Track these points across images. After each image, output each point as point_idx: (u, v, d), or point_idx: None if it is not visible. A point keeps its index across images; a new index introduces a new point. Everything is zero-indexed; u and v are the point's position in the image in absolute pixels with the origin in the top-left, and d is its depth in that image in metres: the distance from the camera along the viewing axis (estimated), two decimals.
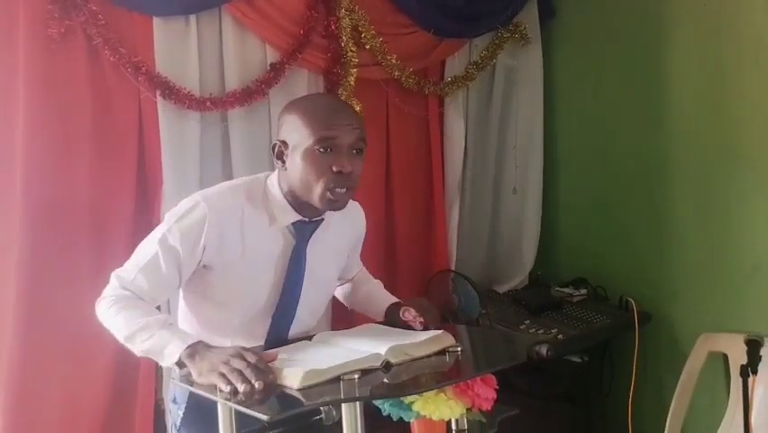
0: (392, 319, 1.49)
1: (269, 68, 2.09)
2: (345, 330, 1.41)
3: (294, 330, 1.43)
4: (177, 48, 1.96)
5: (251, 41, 2.09)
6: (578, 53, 2.69)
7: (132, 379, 1.90)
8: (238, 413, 1.15)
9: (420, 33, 2.40)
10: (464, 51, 2.57)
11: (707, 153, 2.29)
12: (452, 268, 2.57)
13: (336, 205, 1.34)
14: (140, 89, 1.91)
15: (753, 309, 2.19)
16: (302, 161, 1.31)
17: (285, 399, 1.07)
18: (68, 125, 1.84)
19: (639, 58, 2.47)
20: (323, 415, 1.30)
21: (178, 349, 1.19)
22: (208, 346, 1.21)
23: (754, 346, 1.69)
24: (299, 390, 1.06)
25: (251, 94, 2.06)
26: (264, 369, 1.12)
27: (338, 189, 1.31)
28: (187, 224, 1.32)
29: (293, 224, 1.39)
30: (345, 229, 1.51)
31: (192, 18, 1.96)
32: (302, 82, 2.18)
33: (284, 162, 1.36)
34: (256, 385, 1.07)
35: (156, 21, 1.91)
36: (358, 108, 2.19)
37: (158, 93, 1.91)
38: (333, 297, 2.11)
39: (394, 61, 2.32)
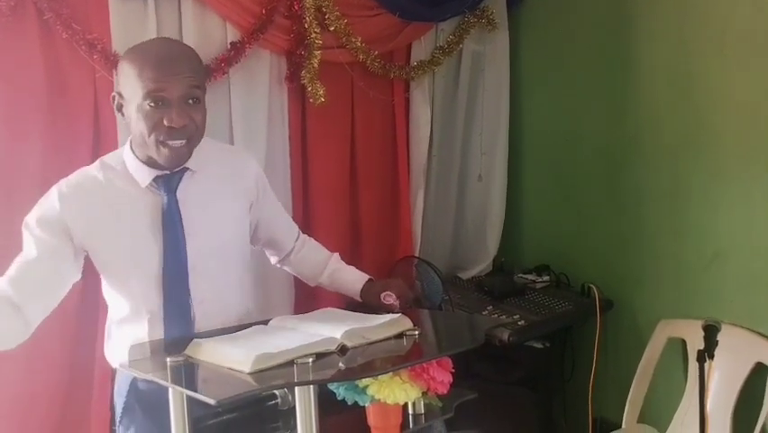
0: (370, 300, 1.47)
1: (229, 46, 2.04)
2: (303, 314, 1.39)
3: (209, 309, 1.37)
4: (134, 25, 1.90)
5: (212, 19, 2.03)
6: (544, 39, 2.69)
7: (86, 377, 1.85)
8: (190, 399, 1.11)
9: (386, 16, 2.37)
10: (431, 36, 2.54)
11: (670, 142, 2.31)
12: (417, 254, 2.56)
13: (174, 159, 1.30)
14: (95, 68, 1.84)
15: (712, 296, 2.22)
16: (135, 115, 1.28)
17: (235, 382, 1.04)
18: (19, 104, 1.78)
19: (605, 45, 2.48)
20: (278, 400, 1.29)
21: None
22: None
23: (711, 332, 1.71)
24: (250, 373, 1.04)
25: (211, 72, 2.00)
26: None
27: (172, 142, 1.28)
28: (43, 210, 1.32)
29: (155, 180, 1.35)
30: (228, 178, 1.44)
31: None
32: (264, 63, 2.14)
33: (123, 115, 1.33)
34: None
35: None
36: (321, 92, 2.16)
37: (114, 72, 1.84)
38: (296, 278, 2.10)
39: (359, 44, 2.28)
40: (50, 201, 1.32)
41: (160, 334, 1.32)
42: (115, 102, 1.34)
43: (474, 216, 2.78)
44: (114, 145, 1.88)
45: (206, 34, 2.02)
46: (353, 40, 2.27)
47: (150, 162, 1.34)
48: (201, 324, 1.35)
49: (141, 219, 1.34)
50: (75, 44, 1.79)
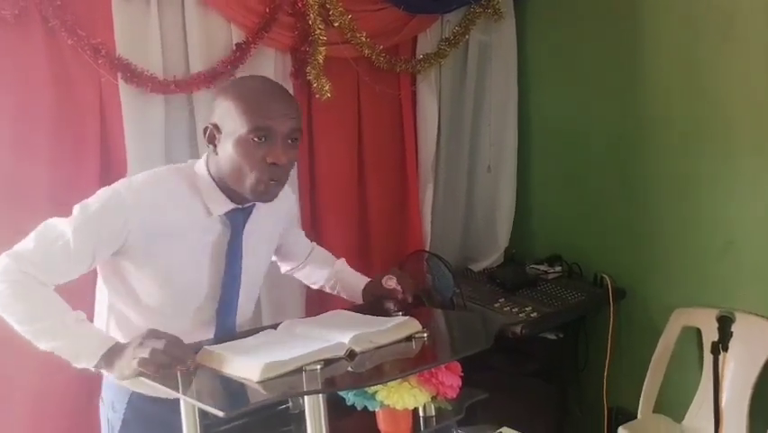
0: (373, 291, 1.49)
1: (234, 48, 2.03)
2: (312, 318, 1.39)
3: (239, 317, 1.40)
4: (138, 29, 1.90)
5: (215, 21, 2.02)
6: (551, 27, 2.65)
7: (99, 377, 1.87)
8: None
9: (390, 9, 2.34)
10: (436, 28, 2.51)
11: (681, 130, 2.28)
12: (427, 248, 2.55)
13: (267, 198, 1.31)
14: (100, 73, 1.85)
15: (726, 284, 2.20)
16: (234, 149, 1.27)
17: (244, 392, 1.05)
18: (27, 110, 1.78)
19: (613, 33, 2.44)
20: (290, 404, 1.30)
21: (94, 357, 1.17)
22: (122, 343, 1.18)
23: (725, 323, 1.69)
24: (259, 382, 1.04)
25: (217, 75, 2.00)
26: (184, 346, 1.12)
27: (271, 182, 1.28)
28: (106, 215, 1.25)
29: (226, 213, 1.35)
30: (273, 213, 1.46)
31: None
32: (269, 61, 2.13)
33: (215, 147, 1.31)
34: (188, 362, 1.07)
35: (115, 1, 1.84)
36: (327, 87, 2.16)
37: (119, 76, 1.86)
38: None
39: (364, 39, 2.27)
40: (121, 196, 1.27)
41: None
42: (208, 133, 1.32)
43: (484, 207, 2.77)
44: (121, 150, 1.89)
45: (210, 36, 2.01)
46: (358, 35, 2.25)
47: (230, 195, 1.33)
48: None
49: (201, 247, 1.33)
50: (80, 50, 1.80)
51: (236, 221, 1.36)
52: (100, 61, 1.82)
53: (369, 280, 1.58)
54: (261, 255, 1.47)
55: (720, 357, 1.64)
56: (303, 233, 1.72)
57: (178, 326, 1.28)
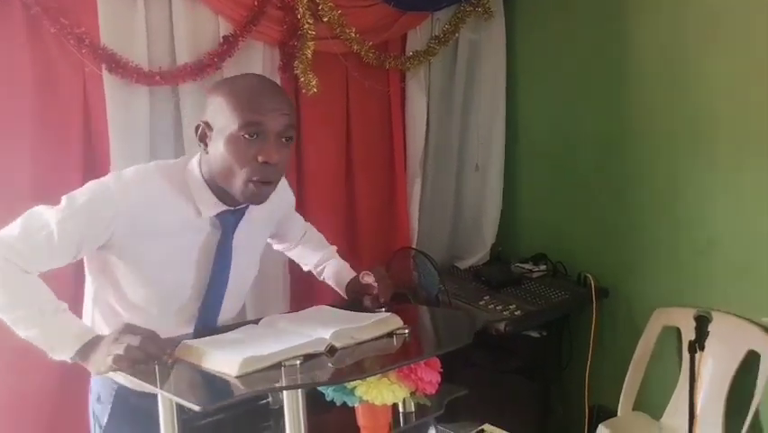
0: (353, 287, 1.49)
1: (221, 40, 2.02)
2: (294, 313, 1.39)
3: (223, 315, 1.38)
4: (123, 19, 1.88)
5: (203, 13, 2.01)
6: (540, 27, 2.66)
7: (79, 377, 1.85)
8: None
9: (380, 6, 2.34)
10: (426, 25, 2.52)
11: (666, 131, 2.30)
12: (414, 244, 2.56)
13: (257, 199, 1.26)
14: (84, 63, 1.83)
15: (706, 284, 2.23)
16: (225, 147, 1.22)
17: (222, 386, 1.04)
18: (9, 99, 1.77)
19: (600, 33, 2.45)
20: (269, 399, 1.30)
21: (70, 350, 1.16)
22: (100, 337, 1.16)
23: (702, 323, 1.71)
24: (238, 377, 1.04)
25: (204, 68, 1.99)
26: (160, 342, 1.10)
27: (261, 182, 1.23)
28: (93, 210, 1.22)
29: (218, 214, 1.31)
30: (273, 208, 1.42)
31: None
32: (257, 55, 2.12)
33: (206, 146, 1.27)
34: (163, 358, 1.06)
35: None
36: (314, 82, 2.15)
37: (103, 66, 1.84)
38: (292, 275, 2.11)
39: (353, 35, 2.26)
40: (104, 207, 1.23)
41: None
42: (199, 131, 1.28)
43: (471, 205, 2.78)
44: (105, 141, 1.88)
45: (198, 28, 2.00)
46: (347, 31, 2.25)
47: (218, 193, 1.29)
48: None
49: (189, 247, 1.30)
50: (63, 38, 1.78)
51: (227, 223, 1.32)
52: (84, 51, 1.80)
53: (355, 275, 1.58)
54: (251, 257, 1.44)
55: (697, 356, 1.66)
56: (300, 217, 1.69)
57: (162, 322, 1.26)
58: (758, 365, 2.02)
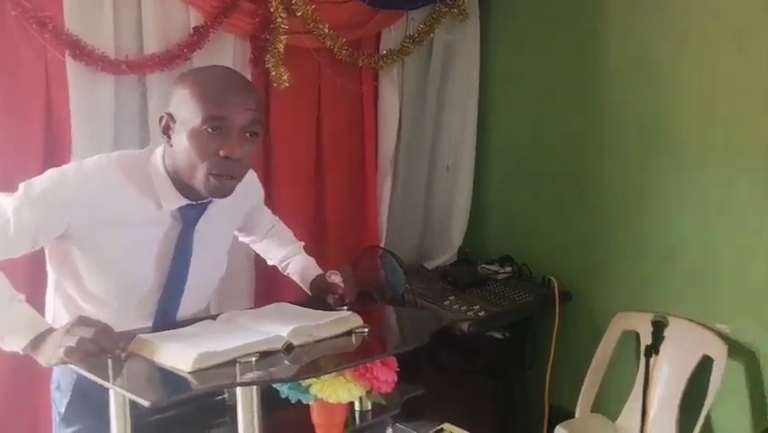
0: (318, 285, 1.48)
1: (191, 31, 1.99)
2: (254, 309, 1.38)
3: (184, 311, 1.37)
4: (89, 5, 1.84)
5: (173, 2, 1.98)
6: (514, 29, 2.68)
7: (31, 368, 1.82)
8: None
9: (355, 3, 2.33)
10: (401, 24, 2.52)
11: (633, 137, 2.34)
12: (383, 244, 2.56)
13: (219, 193, 1.25)
14: (47, 48, 1.79)
15: (667, 290, 2.28)
16: (188, 140, 1.21)
17: (174, 382, 1.03)
18: None
19: (572, 38, 2.49)
20: (226, 395, 1.28)
21: (21, 340, 1.13)
22: (54, 329, 1.14)
23: (658, 328, 1.76)
24: (191, 373, 1.03)
25: (173, 58, 1.96)
26: (113, 335, 1.09)
27: (223, 176, 1.22)
28: (50, 199, 1.21)
29: (179, 208, 1.30)
30: (238, 202, 1.41)
31: None
32: (228, 47, 2.10)
33: (170, 138, 1.26)
34: (116, 352, 1.05)
35: None
36: (285, 76, 2.13)
37: (67, 52, 1.80)
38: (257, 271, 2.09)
39: (326, 30, 2.25)
40: (63, 197, 1.21)
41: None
42: (163, 123, 1.26)
43: (441, 206, 2.79)
44: (67, 130, 1.84)
45: (167, 18, 1.97)
46: (321, 26, 2.24)
47: (180, 187, 1.27)
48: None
49: (149, 239, 1.29)
50: (25, 22, 1.73)
51: (188, 217, 1.31)
52: (46, 36, 1.75)
53: (321, 272, 1.57)
54: (215, 253, 1.41)
55: (652, 360, 1.69)
56: (268, 211, 1.67)
57: (121, 315, 1.25)
58: (711, 370, 2.07)
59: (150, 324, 1.32)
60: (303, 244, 1.70)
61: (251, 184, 1.48)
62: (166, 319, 1.33)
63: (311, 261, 1.64)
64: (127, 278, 1.29)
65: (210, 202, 1.33)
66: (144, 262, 1.30)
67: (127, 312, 1.30)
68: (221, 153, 1.20)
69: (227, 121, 1.20)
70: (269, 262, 1.71)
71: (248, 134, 1.24)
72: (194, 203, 1.31)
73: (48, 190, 1.22)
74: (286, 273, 1.65)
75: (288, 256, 1.65)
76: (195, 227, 1.32)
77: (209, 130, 1.20)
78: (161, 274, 1.32)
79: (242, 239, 1.67)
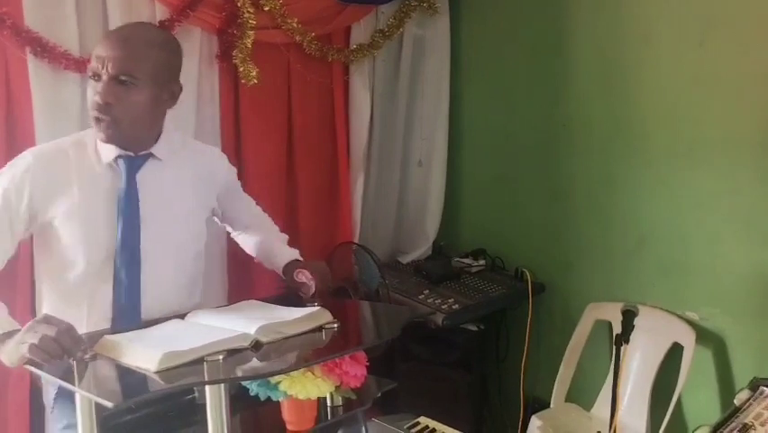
0: (288, 278, 1.50)
1: (157, 25, 1.96)
2: (222, 307, 1.37)
3: (158, 306, 1.35)
4: (51, 1, 1.80)
5: None
6: (484, 25, 2.69)
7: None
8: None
9: None
10: (371, 19, 2.51)
11: (601, 131, 2.36)
12: (357, 239, 2.56)
13: (103, 135, 1.33)
14: (5, 45, 1.74)
15: (636, 280, 2.31)
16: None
17: (139, 382, 1.02)
18: None
19: (542, 34, 2.50)
20: (196, 394, 1.27)
21: None
22: (19, 330, 1.14)
23: (628, 317, 1.78)
24: (157, 372, 1.02)
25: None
26: (77, 336, 1.09)
27: (101, 120, 1.31)
28: (10, 176, 1.31)
29: (118, 159, 1.36)
30: (197, 171, 1.46)
31: None
32: (194, 41, 2.07)
33: None
34: (78, 354, 1.06)
35: None
36: (254, 73, 2.11)
37: (27, 50, 1.76)
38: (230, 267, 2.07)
39: (295, 25, 2.23)
40: (18, 168, 1.32)
41: (101, 323, 1.31)
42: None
43: (415, 200, 2.79)
44: (29, 124, 1.79)
45: (132, 12, 1.93)
46: (289, 20, 2.22)
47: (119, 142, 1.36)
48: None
49: (100, 197, 1.34)
50: None
51: (128, 167, 1.36)
52: (5, 33, 1.71)
53: (293, 259, 1.56)
54: (174, 217, 1.42)
55: (622, 349, 1.72)
56: (251, 204, 1.70)
57: (88, 279, 1.31)
58: (681, 357, 2.11)
59: (111, 288, 1.33)
60: (287, 237, 1.72)
61: (212, 155, 1.57)
62: (133, 291, 1.33)
63: (285, 249, 1.63)
64: (85, 238, 1.33)
65: (150, 156, 1.39)
66: (96, 221, 1.34)
67: (94, 272, 1.33)
68: (95, 99, 1.30)
69: (99, 69, 1.30)
70: (249, 252, 1.71)
71: (123, 78, 1.29)
72: (131, 154, 1.37)
73: (11, 178, 1.31)
74: (265, 261, 1.64)
75: (268, 246, 1.65)
76: (135, 176, 1.36)
77: (91, 78, 1.32)
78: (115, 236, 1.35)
79: (229, 231, 1.71)
